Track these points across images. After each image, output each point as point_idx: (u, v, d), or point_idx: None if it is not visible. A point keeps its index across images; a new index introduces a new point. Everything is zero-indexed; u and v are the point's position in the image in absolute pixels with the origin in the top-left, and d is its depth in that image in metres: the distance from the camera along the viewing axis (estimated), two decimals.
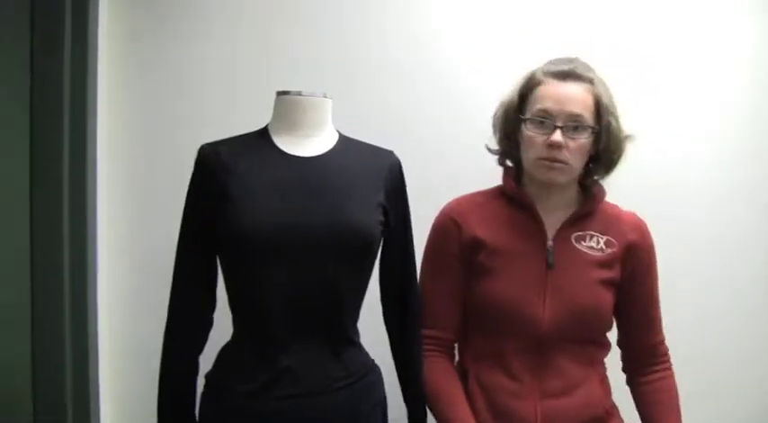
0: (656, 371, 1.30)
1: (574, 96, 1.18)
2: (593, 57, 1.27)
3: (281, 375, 1.09)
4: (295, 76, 1.58)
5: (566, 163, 1.18)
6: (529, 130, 1.20)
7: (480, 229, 1.25)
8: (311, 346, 1.12)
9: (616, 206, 1.31)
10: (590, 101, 1.19)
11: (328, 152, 1.18)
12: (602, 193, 1.29)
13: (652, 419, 1.27)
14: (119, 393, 1.63)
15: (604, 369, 1.31)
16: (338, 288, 1.12)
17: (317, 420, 1.11)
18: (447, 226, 1.28)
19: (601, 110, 1.19)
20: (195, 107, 1.63)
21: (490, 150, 1.33)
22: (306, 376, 1.10)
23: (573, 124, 1.17)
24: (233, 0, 1.64)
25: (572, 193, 1.28)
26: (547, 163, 1.19)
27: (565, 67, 1.20)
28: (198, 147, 1.16)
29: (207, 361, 1.18)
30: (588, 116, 1.18)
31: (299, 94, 1.18)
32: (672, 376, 1.31)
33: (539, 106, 1.19)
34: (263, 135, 1.19)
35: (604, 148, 1.22)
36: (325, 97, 1.20)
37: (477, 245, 1.25)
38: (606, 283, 1.23)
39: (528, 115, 1.21)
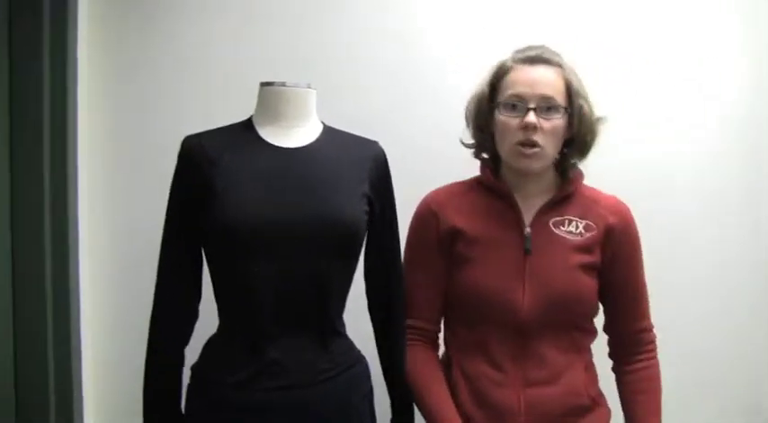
0: (641, 360, 1.29)
1: (544, 78, 1.19)
2: (581, 55, 1.29)
3: (269, 367, 1.09)
4: (280, 75, 1.56)
5: (540, 146, 1.19)
6: (502, 115, 1.21)
7: (458, 218, 1.26)
8: (298, 338, 1.11)
9: (596, 190, 1.31)
10: (560, 84, 1.20)
11: (313, 143, 1.18)
12: (580, 176, 1.30)
13: (631, 408, 1.27)
14: (102, 393, 1.62)
15: (590, 356, 1.30)
16: (324, 279, 1.12)
17: (306, 412, 1.10)
18: (425, 216, 1.29)
19: (572, 93, 1.20)
20: (177, 107, 1.63)
21: (465, 144, 1.33)
22: (293, 368, 1.10)
23: (545, 105, 1.18)
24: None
25: (549, 179, 1.28)
26: (522, 148, 1.19)
27: (533, 53, 1.22)
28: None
29: (192, 353, 1.17)
30: (560, 99, 1.19)
31: (283, 84, 1.18)
32: (656, 366, 1.29)
33: (510, 91, 1.20)
34: (247, 126, 1.18)
35: (577, 132, 1.23)
36: (309, 88, 1.20)
37: (455, 234, 1.25)
38: (586, 267, 1.23)
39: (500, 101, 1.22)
